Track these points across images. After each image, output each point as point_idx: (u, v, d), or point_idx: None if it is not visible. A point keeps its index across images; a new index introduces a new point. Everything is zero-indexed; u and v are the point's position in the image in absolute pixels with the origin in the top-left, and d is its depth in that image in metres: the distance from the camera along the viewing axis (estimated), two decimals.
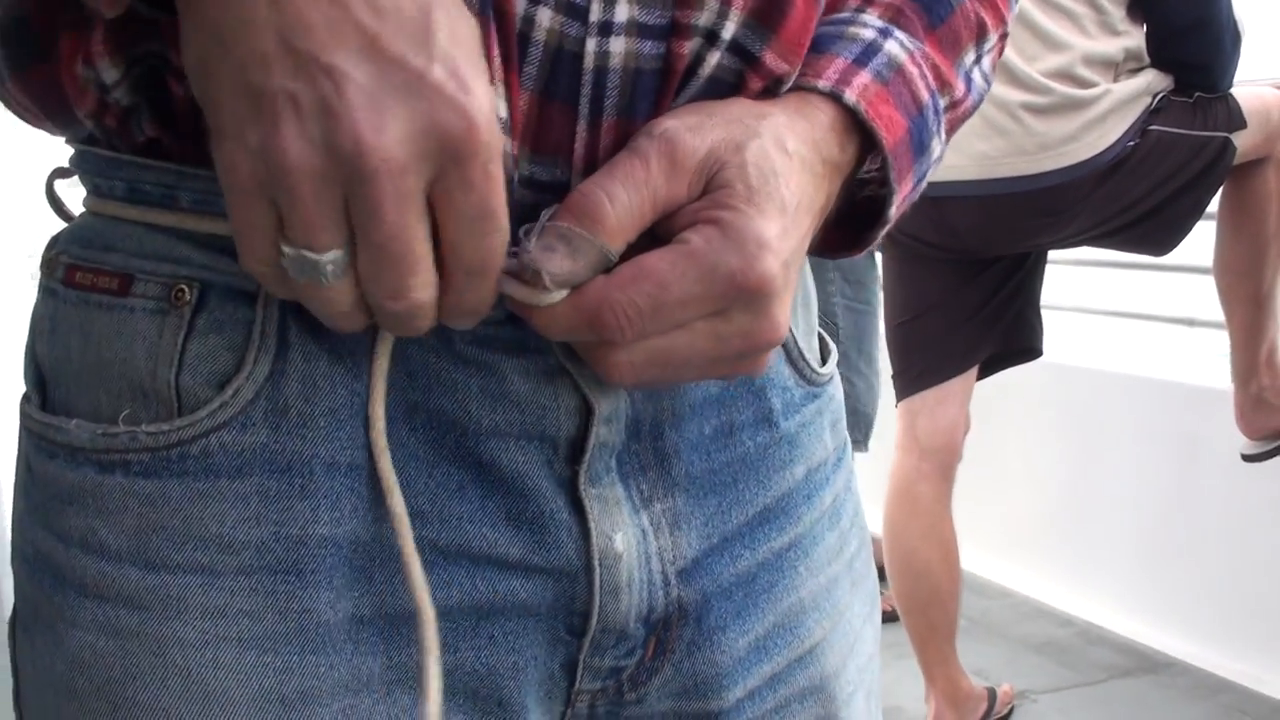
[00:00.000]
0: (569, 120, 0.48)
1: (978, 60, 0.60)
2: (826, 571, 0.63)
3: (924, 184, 0.57)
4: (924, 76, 0.55)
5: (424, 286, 0.43)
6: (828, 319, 2.98)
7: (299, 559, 0.50)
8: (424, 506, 0.52)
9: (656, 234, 0.48)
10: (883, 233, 0.56)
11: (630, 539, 0.55)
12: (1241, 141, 2.22)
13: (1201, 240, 2.44)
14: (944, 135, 0.57)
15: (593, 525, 0.54)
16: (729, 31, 0.49)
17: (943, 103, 0.57)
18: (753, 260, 0.46)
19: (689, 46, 0.49)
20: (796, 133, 0.50)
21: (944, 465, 2.34)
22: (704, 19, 0.49)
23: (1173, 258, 2.42)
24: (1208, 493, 2.76)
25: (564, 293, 0.46)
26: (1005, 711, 2.51)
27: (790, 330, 0.60)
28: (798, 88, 0.52)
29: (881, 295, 2.90)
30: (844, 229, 0.57)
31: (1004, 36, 0.62)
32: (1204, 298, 2.79)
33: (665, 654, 0.57)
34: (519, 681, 0.54)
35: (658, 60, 0.49)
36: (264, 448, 0.50)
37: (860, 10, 0.56)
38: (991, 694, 2.48)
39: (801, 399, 0.62)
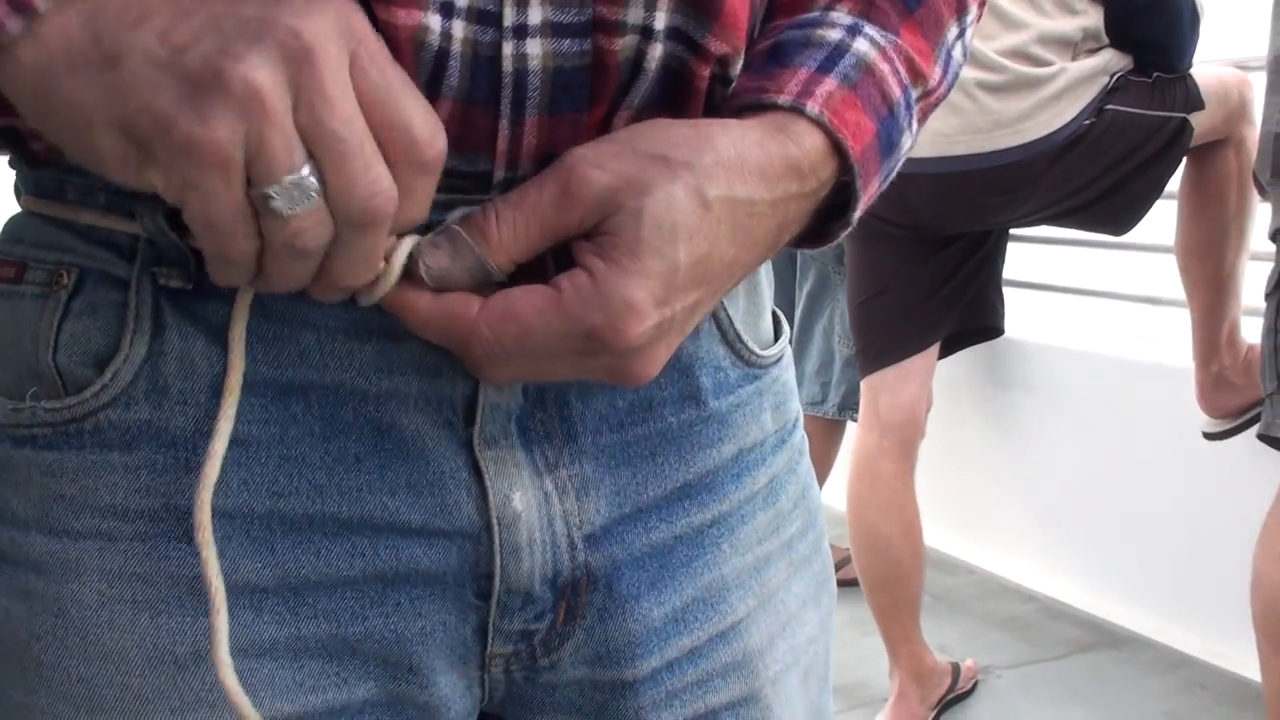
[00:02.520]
0: (491, 120, 0.49)
1: (960, 35, 0.60)
2: (755, 550, 0.63)
3: (892, 176, 0.57)
4: (896, 73, 0.55)
5: (389, 181, 0.43)
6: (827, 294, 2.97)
7: (189, 528, 0.51)
8: (321, 481, 0.53)
9: (563, 256, 0.48)
10: (846, 230, 0.56)
11: (530, 499, 0.55)
12: (1200, 122, 2.24)
13: (1163, 219, 2.46)
14: (915, 127, 0.57)
15: (489, 484, 0.54)
16: (662, 22, 0.50)
17: (915, 94, 0.56)
18: (615, 322, 0.46)
19: (621, 43, 0.49)
20: (741, 172, 0.49)
21: (905, 441, 2.35)
22: (632, 15, 0.49)
23: (1136, 236, 2.44)
24: (1167, 468, 2.78)
25: (389, 286, 0.47)
26: (969, 686, 2.52)
27: (725, 312, 0.60)
28: (762, 105, 0.52)
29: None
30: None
31: (983, 4, 0.62)
32: (1167, 276, 2.81)
33: (576, 619, 0.58)
34: (427, 647, 0.56)
35: (583, 57, 0.49)
36: (148, 424, 0.52)
37: (830, 7, 0.56)
38: (955, 669, 2.50)
39: (738, 380, 0.62)
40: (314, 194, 0.42)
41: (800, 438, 0.68)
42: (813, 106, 0.51)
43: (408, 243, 0.47)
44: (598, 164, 0.47)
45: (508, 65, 0.48)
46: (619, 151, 0.48)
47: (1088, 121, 2.14)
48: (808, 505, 0.67)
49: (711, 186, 0.48)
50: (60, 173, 0.53)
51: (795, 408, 0.68)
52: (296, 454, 0.52)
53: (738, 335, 0.61)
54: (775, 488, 0.64)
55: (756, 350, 0.63)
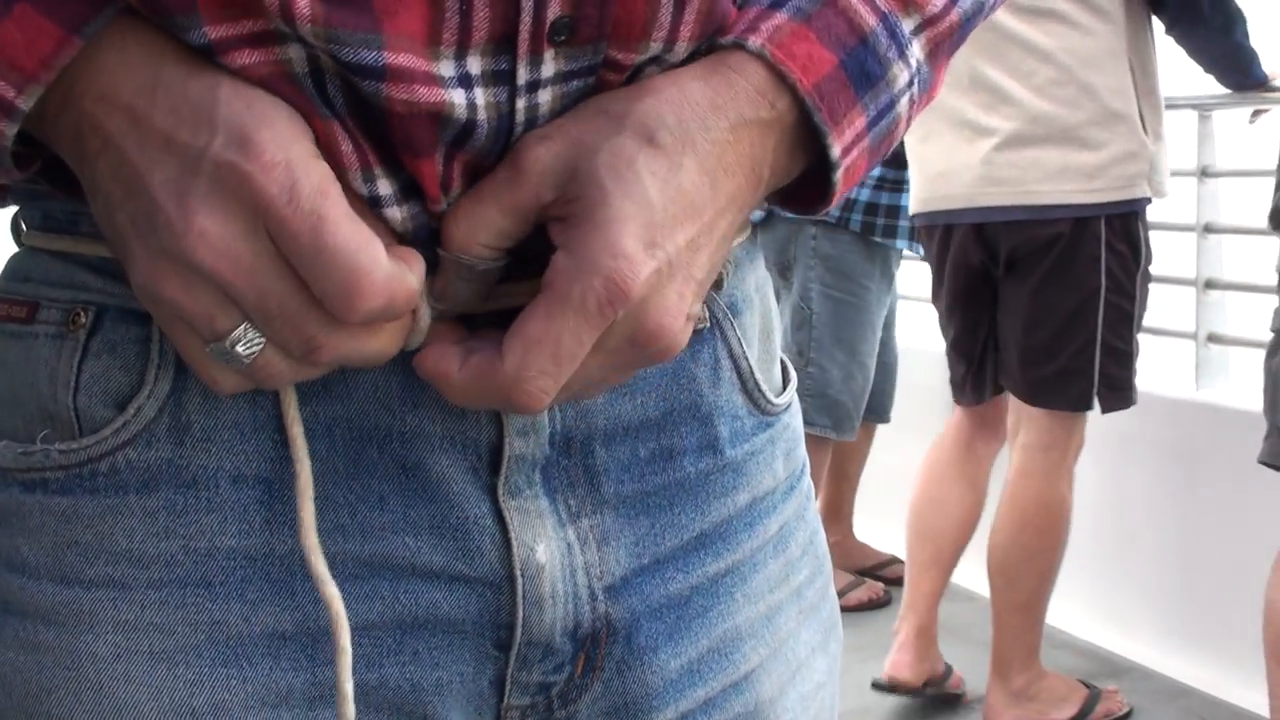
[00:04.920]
0: (498, 161, 0.49)
1: None
2: (767, 599, 0.62)
3: (897, 119, 0.53)
4: (868, 0, 0.51)
5: (324, 332, 0.45)
6: (804, 304, 3.01)
7: (207, 571, 0.51)
8: (344, 520, 0.52)
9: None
10: (839, 180, 0.52)
11: (554, 551, 0.55)
12: None
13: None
14: (923, 56, 0.53)
15: (514, 535, 0.54)
16: (680, 55, 0.50)
17: (909, 23, 0.52)
18: (610, 275, 0.45)
19: (625, 74, 0.49)
20: (683, 104, 0.48)
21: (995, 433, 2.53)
22: (649, 52, 0.49)
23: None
24: (1168, 499, 2.79)
25: (424, 329, 0.48)
26: (957, 690, 2.66)
27: (746, 358, 0.60)
28: (711, 47, 0.50)
29: (874, 290, 2.95)
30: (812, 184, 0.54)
31: None
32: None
33: (594, 671, 0.57)
34: (443, 698, 0.55)
35: (585, 91, 0.49)
36: (169, 463, 0.51)
37: None
38: (948, 669, 2.64)
39: (753, 428, 0.61)
40: (260, 343, 0.45)
41: (808, 484, 0.67)
42: (754, 41, 0.49)
43: (422, 314, 0.48)
44: (542, 136, 0.47)
45: (520, 117, 0.48)
46: (561, 123, 0.48)
47: None
48: (815, 551, 0.67)
49: (657, 124, 0.47)
50: (74, 204, 0.51)
51: (803, 454, 0.67)
52: (321, 492, 0.51)
53: (756, 384, 0.61)
54: (785, 535, 0.64)
55: (771, 398, 0.62)
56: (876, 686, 2.62)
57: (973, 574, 3.19)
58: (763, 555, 0.62)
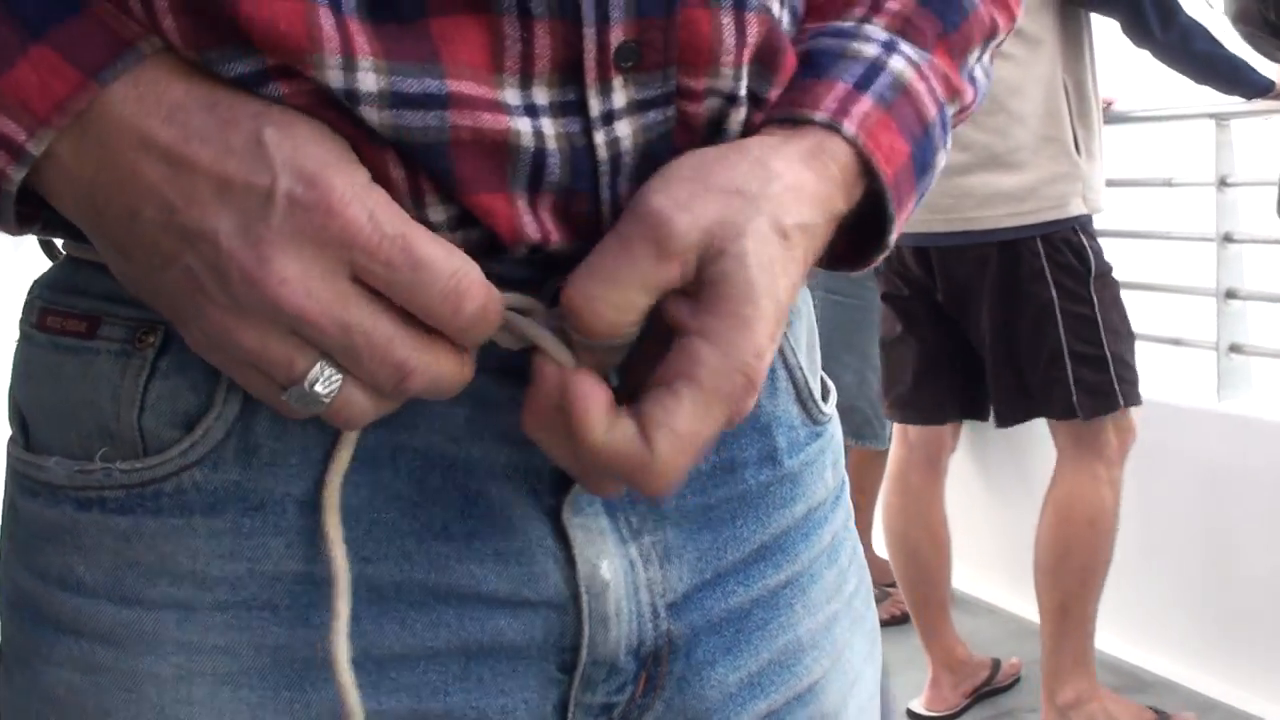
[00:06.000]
0: (592, 204, 0.49)
1: (980, 58, 0.59)
2: (825, 610, 0.62)
3: (925, 195, 0.56)
4: (932, 91, 0.54)
5: (416, 354, 0.44)
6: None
7: (274, 595, 0.50)
8: (410, 547, 0.51)
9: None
10: (884, 254, 0.55)
11: (617, 568, 0.54)
12: None
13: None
14: (948, 144, 0.56)
15: (577, 553, 0.53)
16: (744, 89, 0.50)
17: (950, 112, 0.56)
18: (751, 377, 0.46)
19: (705, 106, 0.49)
20: (802, 196, 0.49)
21: (931, 456, 2.57)
22: (719, 84, 0.49)
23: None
24: (1191, 511, 2.77)
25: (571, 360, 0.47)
26: (1008, 682, 2.74)
27: (801, 368, 0.60)
28: (795, 120, 0.51)
29: (877, 292, 2.95)
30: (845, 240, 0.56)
31: (1010, 27, 0.61)
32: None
33: (656, 690, 0.57)
34: None
35: (668, 122, 0.49)
36: (236, 485, 0.50)
37: (865, 20, 0.55)
38: (995, 663, 2.71)
39: (806, 438, 0.61)
40: (338, 379, 0.45)
41: (848, 496, 0.68)
42: (849, 126, 0.50)
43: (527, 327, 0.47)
44: (683, 208, 0.46)
45: (602, 153, 0.48)
46: (695, 191, 0.47)
47: None
48: (859, 560, 0.67)
49: (786, 215, 0.48)
50: None
51: (844, 466, 0.67)
52: (386, 519, 0.51)
53: (810, 393, 0.61)
54: (836, 545, 0.64)
55: (821, 407, 0.62)
56: (913, 716, 2.65)
57: (987, 589, 3.19)
58: (819, 566, 0.62)
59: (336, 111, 0.44)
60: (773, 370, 0.59)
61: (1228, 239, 2.98)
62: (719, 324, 0.46)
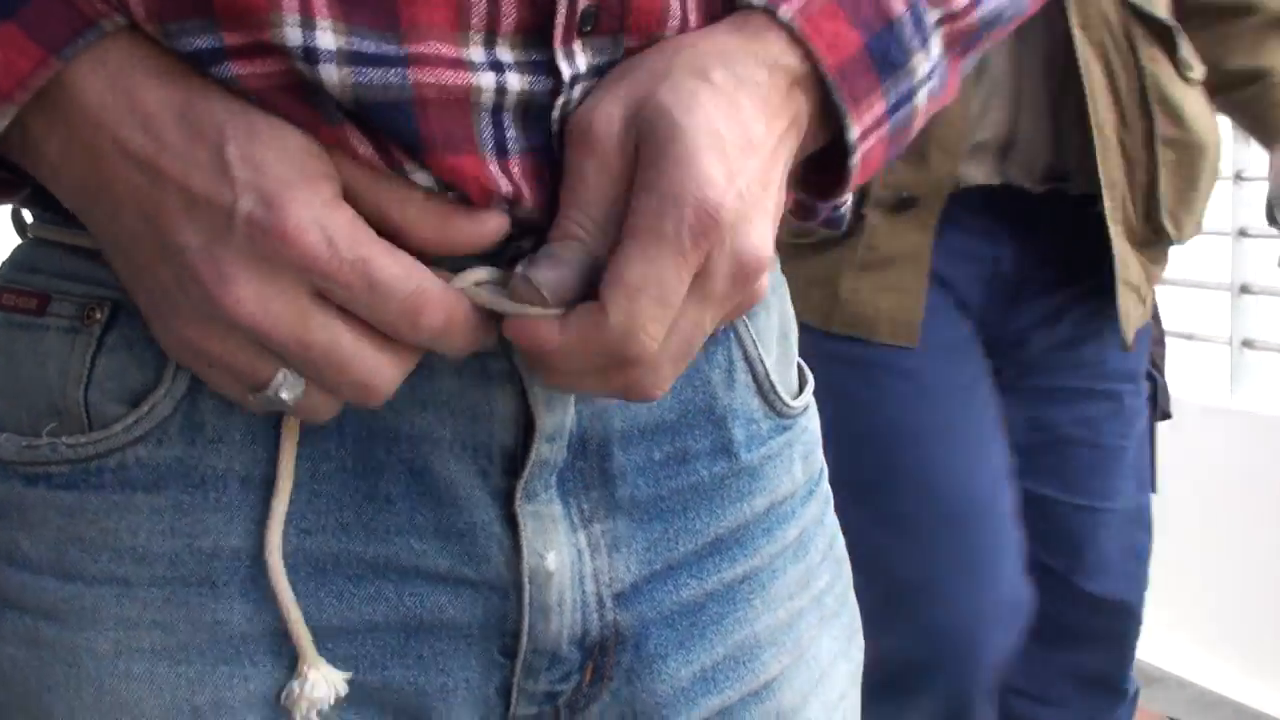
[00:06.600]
0: (553, 164, 0.48)
1: None
2: (787, 606, 0.61)
3: (915, 110, 0.52)
4: None
5: (379, 367, 0.46)
6: None
7: (211, 571, 0.51)
8: (349, 519, 0.52)
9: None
10: (856, 165, 0.51)
11: (564, 558, 0.54)
12: None
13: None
14: (940, 50, 0.53)
15: (524, 543, 0.53)
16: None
17: (932, 15, 0.52)
18: (702, 203, 0.44)
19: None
20: (727, 53, 0.47)
21: None
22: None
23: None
24: (1201, 506, 2.75)
25: (556, 310, 0.46)
26: None
27: (762, 361, 0.59)
28: (739, 7, 0.49)
29: None
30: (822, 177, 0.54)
31: None
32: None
33: (603, 680, 0.57)
34: (449, 704, 0.54)
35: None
36: (179, 462, 0.50)
37: None
38: None
39: (769, 431, 0.60)
40: (302, 383, 0.46)
41: (826, 488, 0.67)
42: (785, 10, 0.48)
43: (474, 274, 0.47)
44: (599, 108, 0.46)
45: (556, 113, 0.47)
46: (606, 89, 0.47)
47: None
48: (835, 555, 0.66)
49: (707, 65, 0.47)
50: None
51: (820, 457, 0.66)
52: (327, 490, 0.51)
53: (772, 386, 0.60)
54: (805, 540, 0.63)
55: (788, 400, 0.61)
56: None
57: None
58: (782, 561, 0.61)
59: (292, 95, 0.44)
60: (731, 362, 0.58)
61: (1242, 234, 2.96)
62: (649, 172, 0.45)
